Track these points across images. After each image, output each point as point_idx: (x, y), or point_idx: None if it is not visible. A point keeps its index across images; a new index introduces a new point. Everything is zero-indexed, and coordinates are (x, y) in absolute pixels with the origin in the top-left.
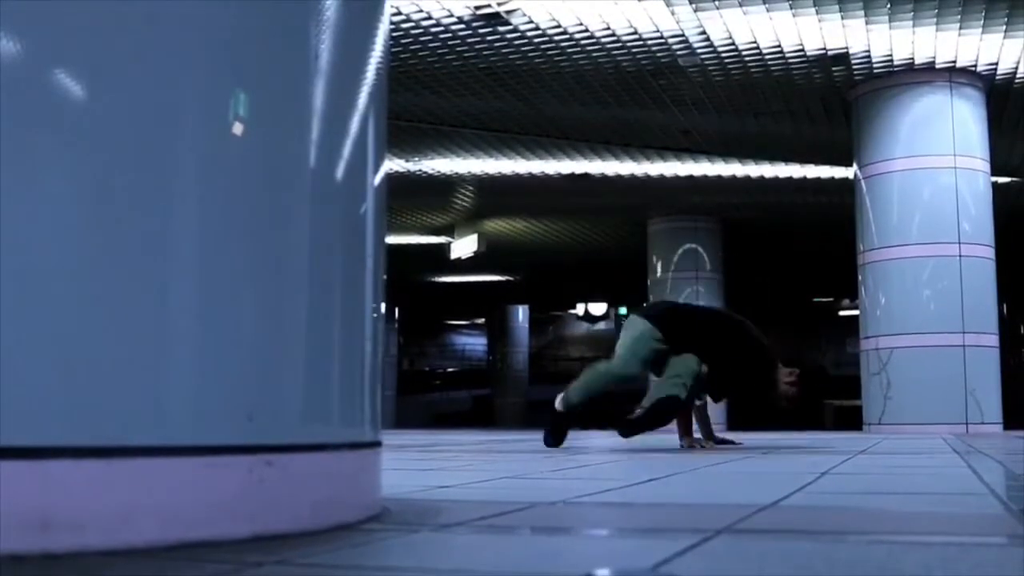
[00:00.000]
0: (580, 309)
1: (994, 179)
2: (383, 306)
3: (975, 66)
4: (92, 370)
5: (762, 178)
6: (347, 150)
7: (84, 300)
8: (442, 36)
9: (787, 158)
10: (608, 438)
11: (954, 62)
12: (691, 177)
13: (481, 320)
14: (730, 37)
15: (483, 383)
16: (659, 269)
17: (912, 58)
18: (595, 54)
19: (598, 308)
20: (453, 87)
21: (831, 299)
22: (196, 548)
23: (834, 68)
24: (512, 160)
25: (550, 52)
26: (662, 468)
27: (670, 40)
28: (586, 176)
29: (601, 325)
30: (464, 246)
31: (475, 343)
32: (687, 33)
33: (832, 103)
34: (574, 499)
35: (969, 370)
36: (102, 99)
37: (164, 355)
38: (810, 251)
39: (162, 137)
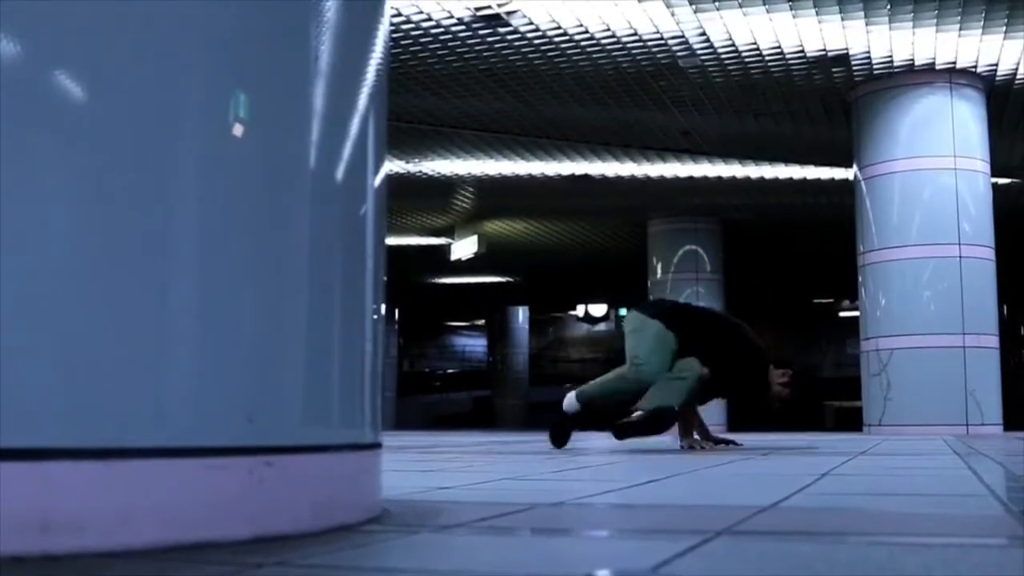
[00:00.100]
0: (580, 310)
1: (994, 180)
2: (383, 307)
3: (975, 67)
4: (92, 371)
5: (762, 179)
6: (347, 151)
7: (84, 300)
8: (442, 37)
9: (787, 159)
10: (608, 439)
11: (954, 63)
12: (691, 178)
13: (481, 321)
14: (730, 38)
15: (483, 384)
16: (659, 270)
17: (912, 59)
18: (595, 55)
19: (598, 309)
20: (453, 88)
21: (831, 300)
22: (196, 549)
23: (834, 69)
24: (512, 161)
25: (550, 53)
26: (662, 469)
27: (670, 41)
28: (586, 177)
29: (601, 326)
30: (464, 247)
31: (475, 344)
32: (687, 34)
33: (832, 104)
34: (574, 500)
35: (969, 371)
36: (102, 99)
37: (164, 356)
38: (810, 252)
39: (162, 137)
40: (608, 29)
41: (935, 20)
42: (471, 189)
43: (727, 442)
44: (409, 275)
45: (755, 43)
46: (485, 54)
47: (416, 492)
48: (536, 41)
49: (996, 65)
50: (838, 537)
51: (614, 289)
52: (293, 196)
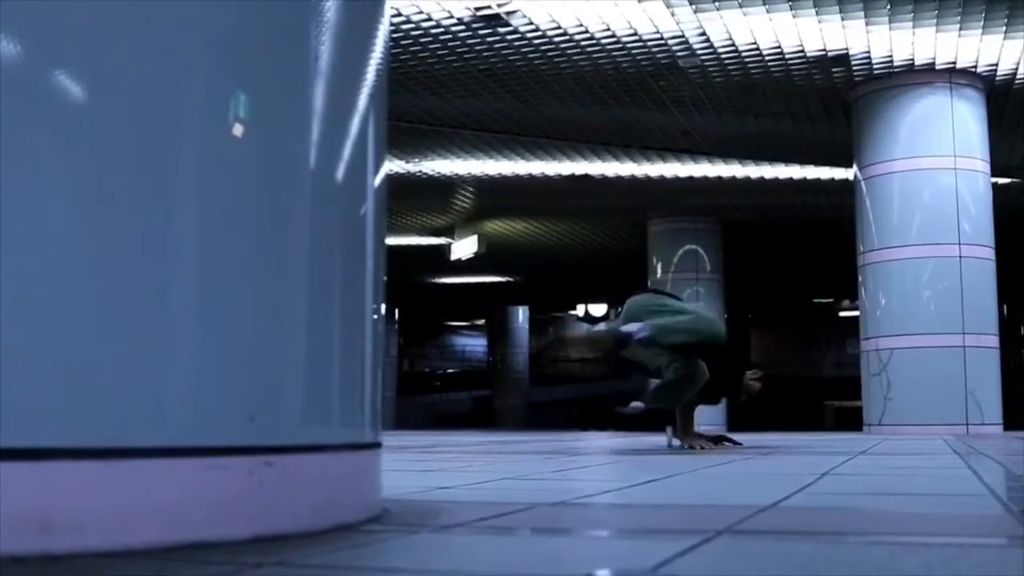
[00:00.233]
0: (580, 310)
1: (994, 180)
2: (383, 307)
3: (975, 67)
4: (92, 371)
5: (762, 179)
6: (347, 151)
7: (84, 300)
8: (442, 37)
9: (787, 159)
10: (608, 439)
11: (954, 63)
12: (691, 178)
13: (481, 321)
14: (730, 38)
15: (483, 384)
16: (659, 270)
17: (912, 59)
18: (595, 55)
19: (598, 309)
20: (453, 88)
21: (831, 300)
22: (196, 549)
23: (834, 69)
24: (512, 161)
25: (550, 53)
26: (662, 469)
27: (670, 41)
28: (586, 177)
29: (601, 326)
30: (464, 247)
31: (475, 344)
32: (687, 34)
33: (832, 104)
34: (574, 500)
35: (969, 371)
36: (102, 99)
37: (164, 355)
38: (810, 252)
39: (162, 137)
40: (608, 29)
41: (935, 20)
42: (471, 189)
43: (723, 440)
44: (409, 275)
45: (755, 43)
46: (485, 54)
47: (416, 492)
48: (536, 41)
49: (996, 65)
50: (838, 537)
51: (614, 289)
52: (293, 196)
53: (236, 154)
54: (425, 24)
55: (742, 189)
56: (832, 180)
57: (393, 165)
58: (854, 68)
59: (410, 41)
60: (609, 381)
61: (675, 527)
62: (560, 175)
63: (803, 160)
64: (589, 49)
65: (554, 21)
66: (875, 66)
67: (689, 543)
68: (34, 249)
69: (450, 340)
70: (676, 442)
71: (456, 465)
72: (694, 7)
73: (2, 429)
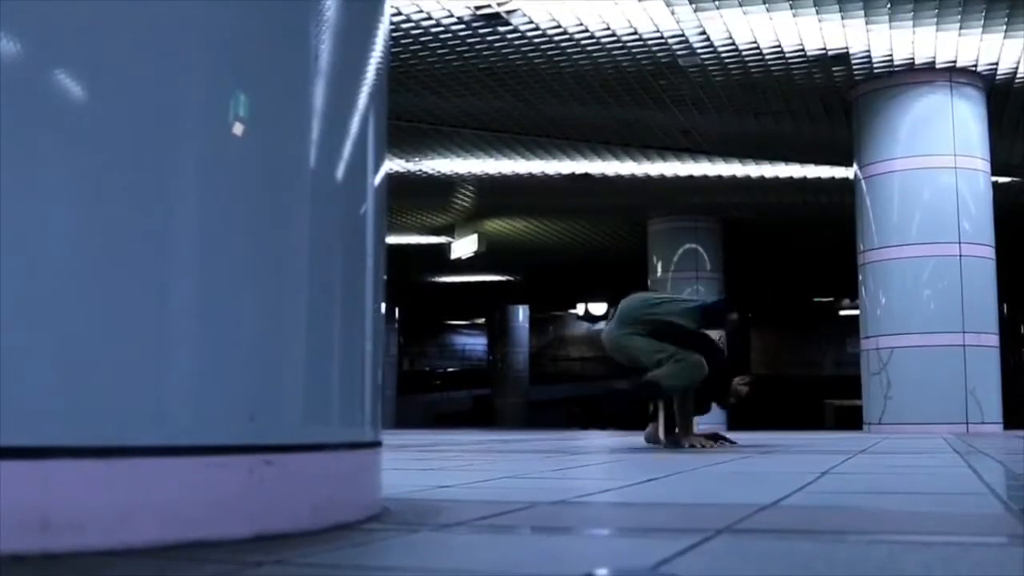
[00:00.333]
0: (580, 309)
1: (994, 179)
2: (383, 306)
3: (975, 66)
4: (92, 370)
5: (762, 178)
6: (347, 150)
7: (84, 300)
8: (442, 36)
9: (787, 158)
10: (608, 438)
11: (954, 62)
12: (691, 177)
13: (481, 320)
14: (730, 37)
15: (483, 383)
16: (659, 269)
17: (912, 58)
18: (595, 54)
19: (598, 308)
20: (453, 87)
21: (831, 299)
22: (196, 548)
23: (834, 68)
24: (512, 160)
25: (550, 52)
26: (662, 468)
27: (670, 40)
28: (586, 176)
29: (601, 325)
30: (464, 246)
31: (475, 343)
32: (687, 33)
33: (832, 103)
34: (574, 499)
35: (969, 370)
36: (102, 99)
37: (164, 355)
38: (810, 251)
39: (162, 137)
40: (608, 28)
41: (935, 19)
42: (471, 188)
43: (719, 438)
44: (409, 274)
45: (755, 42)
46: (485, 53)
47: (416, 490)
48: (536, 40)
49: (996, 64)
50: (838, 536)
51: (614, 288)
52: (293, 196)
53: (236, 154)
54: (425, 23)
55: (742, 188)
56: (832, 179)
57: (393, 164)
58: (854, 67)
59: (410, 40)
60: (608, 380)
61: (675, 526)
62: (560, 174)
63: (803, 159)
64: (589, 48)
65: (554, 20)
66: (875, 65)
67: (689, 542)
68: (34, 249)
69: (450, 339)
70: (659, 439)
71: (456, 464)
72: (694, 6)
73: (2, 428)
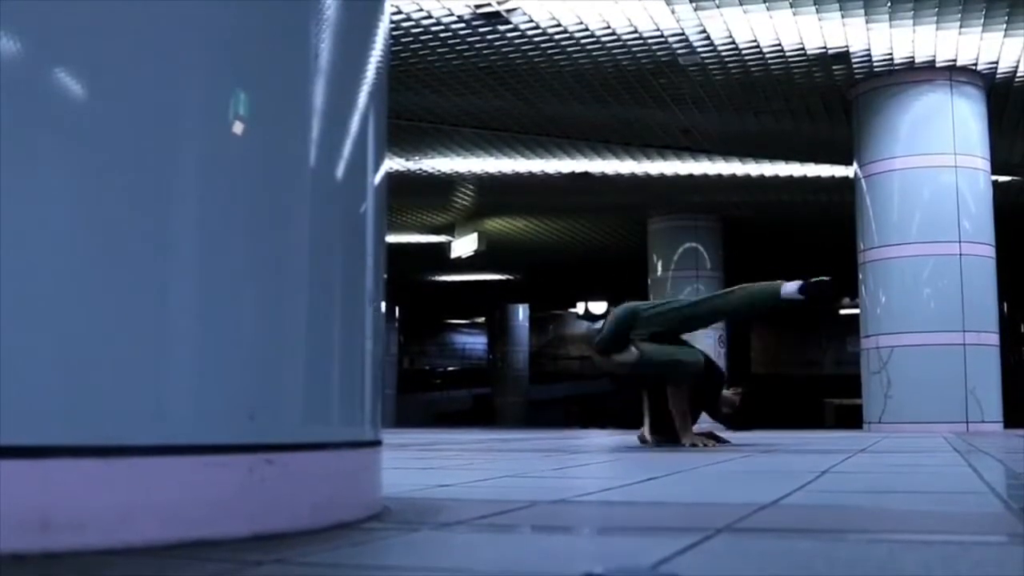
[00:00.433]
0: (580, 308)
1: (994, 178)
2: (383, 305)
3: (975, 65)
4: (92, 370)
5: (762, 177)
6: (347, 149)
7: (84, 300)
8: (442, 35)
9: (787, 157)
10: (608, 437)
11: (954, 61)
12: (691, 176)
13: (481, 319)
14: (730, 36)
15: (483, 382)
16: (659, 268)
17: (912, 57)
18: (595, 53)
19: (598, 307)
20: (453, 86)
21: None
22: (196, 547)
23: (834, 67)
24: (512, 159)
25: (550, 51)
26: (662, 467)
27: (670, 39)
28: (586, 175)
29: (601, 324)
30: (464, 245)
31: (475, 342)
32: (687, 32)
33: (832, 102)
34: (574, 498)
35: (969, 369)
36: (102, 99)
37: (164, 355)
38: (810, 249)
39: (162, 137)
40: (608, 27)
41: (935, 18)
42: (471, 187)
43: (714, 438)
44: (409, 273)
45: (755, 41)
46: (485, 52)
47: (416, 490)
48: (536, 39)
49: (996, 63)
50: (838, 535)
51: (614, 287)
52: (293, 195)
53: (236, 154)
54: (425, 22)
55: (742, 187)
56: (832, 178)
57: (393, 163)
58: (854, 66)
59: (410, 39)
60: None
61: (675, 525)
62: (560, 173)
63: (803, 158)
64: (589, 47)
65: (554, 19)
66: (875, 64)
67: (689, 541)
68: (34, 249)
69: (450, 338)
70: (649, 439)
71: (456, 463)
72: (694, 5)
73: (2, 427)
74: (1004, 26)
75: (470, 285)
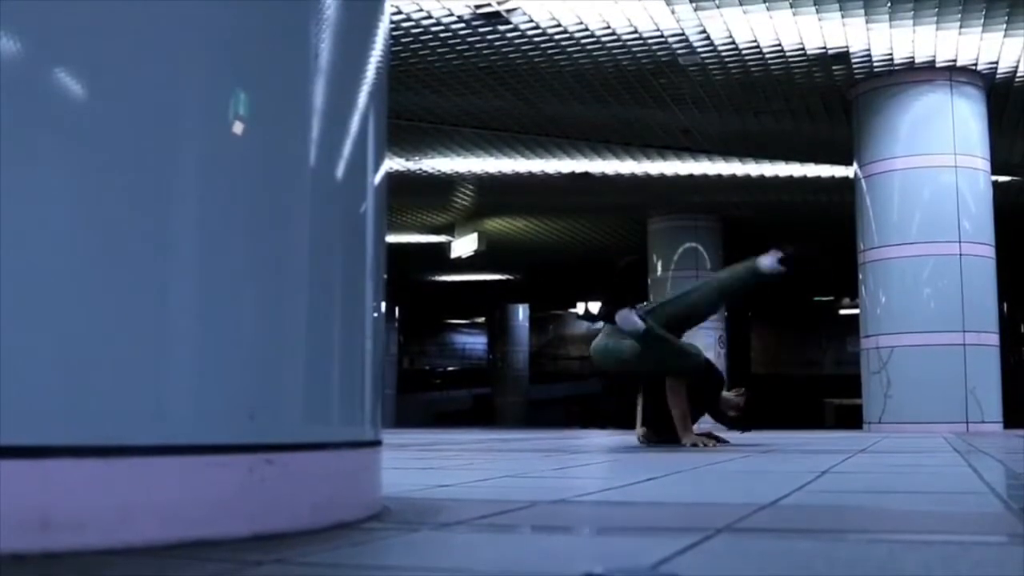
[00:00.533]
0: (580, 308)
1: (994, 178)
2: (383, 305)
3: (975, 65)
4: (92, 370)
5: (762, 177)
6: (347, 149)
7: (84, 300)
8: (442, 35)
9: (787, 157)
10: (608, 437)
11: (954, 61)
12: (691, 176)
13: (481, 319)
14: (730, 36)
15: (483, 382)
16: (659, 268)
17: (912, 57)
18: (595, 53)
19: (598, 307)
20: (453, 86)
21: (831, 298)
22: (196, 547)
23: (834, 67)
24: (512, 159)
25: (550, 51)
26: (662, 467)
27: (670, 39)
28: (586, 175)
29: (601, 324)
30: (464, 245)
31: (475, 342)
32: (687, 32)
33: (832, 102)
34: (574, 498)
35: (969, 369)
36: (102, 99)
37: (164, 355)
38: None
39: (162, 137)
40: (608, 27)
41: (935, 18)
42: (471, 187)
43: (712, 437)
44: (409, 273)
45: (755, 41)
46: (485, 52)
47: (416, 489)
48: (536, 39)
49: (996, 63)
50: (838, 535)
51: (614, 286)
52: (293, 195)
53: (236, 154)
54: (425, 22)
55: (742, 187)
56: (832, 178)
57: (393, 163)
58: (854, 66)
59: (410, 39)
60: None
61: (675, 525)
62: (560, 173)
63: (803, 158)
64: (589, 47)
65: (554, 19)
66: (875, 64)
67: (689, 541)
68: (34, 249)
69: (450, 338)
70: (640, 435)
71: (456, 463)
72: (694, 5)
73: (2, 427)
74: (1004, 26)
75: (470, 285)
